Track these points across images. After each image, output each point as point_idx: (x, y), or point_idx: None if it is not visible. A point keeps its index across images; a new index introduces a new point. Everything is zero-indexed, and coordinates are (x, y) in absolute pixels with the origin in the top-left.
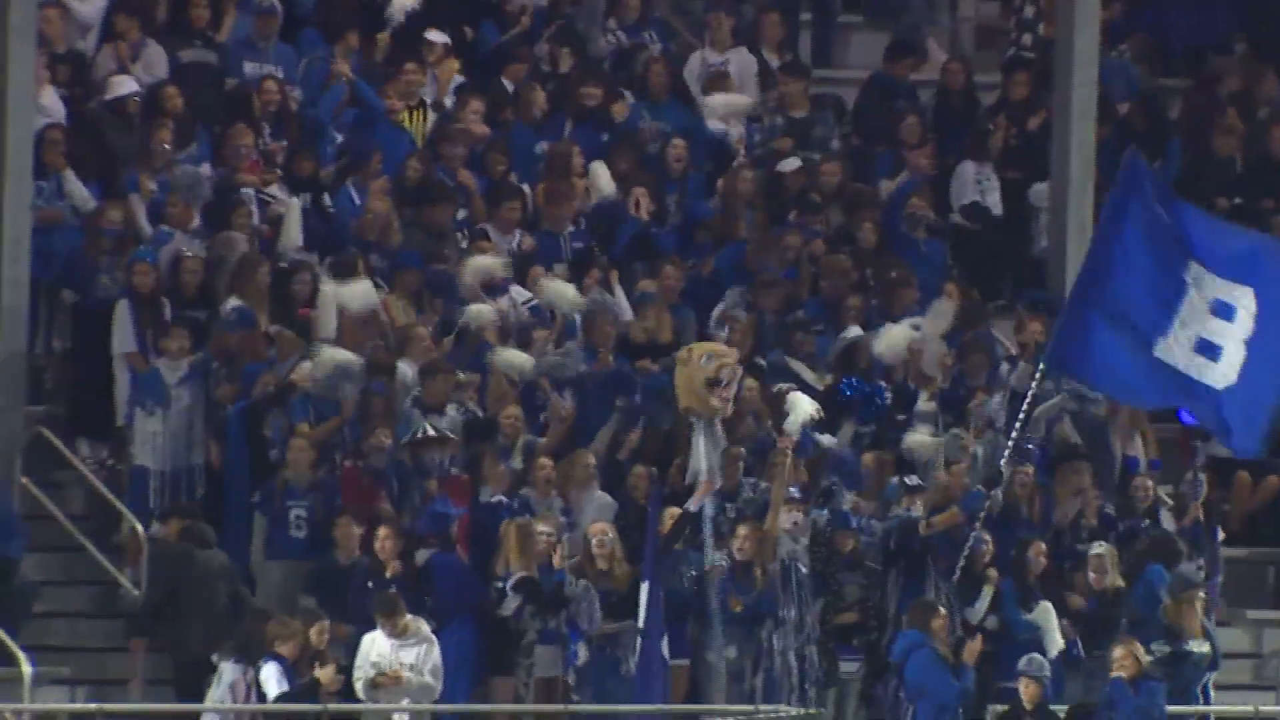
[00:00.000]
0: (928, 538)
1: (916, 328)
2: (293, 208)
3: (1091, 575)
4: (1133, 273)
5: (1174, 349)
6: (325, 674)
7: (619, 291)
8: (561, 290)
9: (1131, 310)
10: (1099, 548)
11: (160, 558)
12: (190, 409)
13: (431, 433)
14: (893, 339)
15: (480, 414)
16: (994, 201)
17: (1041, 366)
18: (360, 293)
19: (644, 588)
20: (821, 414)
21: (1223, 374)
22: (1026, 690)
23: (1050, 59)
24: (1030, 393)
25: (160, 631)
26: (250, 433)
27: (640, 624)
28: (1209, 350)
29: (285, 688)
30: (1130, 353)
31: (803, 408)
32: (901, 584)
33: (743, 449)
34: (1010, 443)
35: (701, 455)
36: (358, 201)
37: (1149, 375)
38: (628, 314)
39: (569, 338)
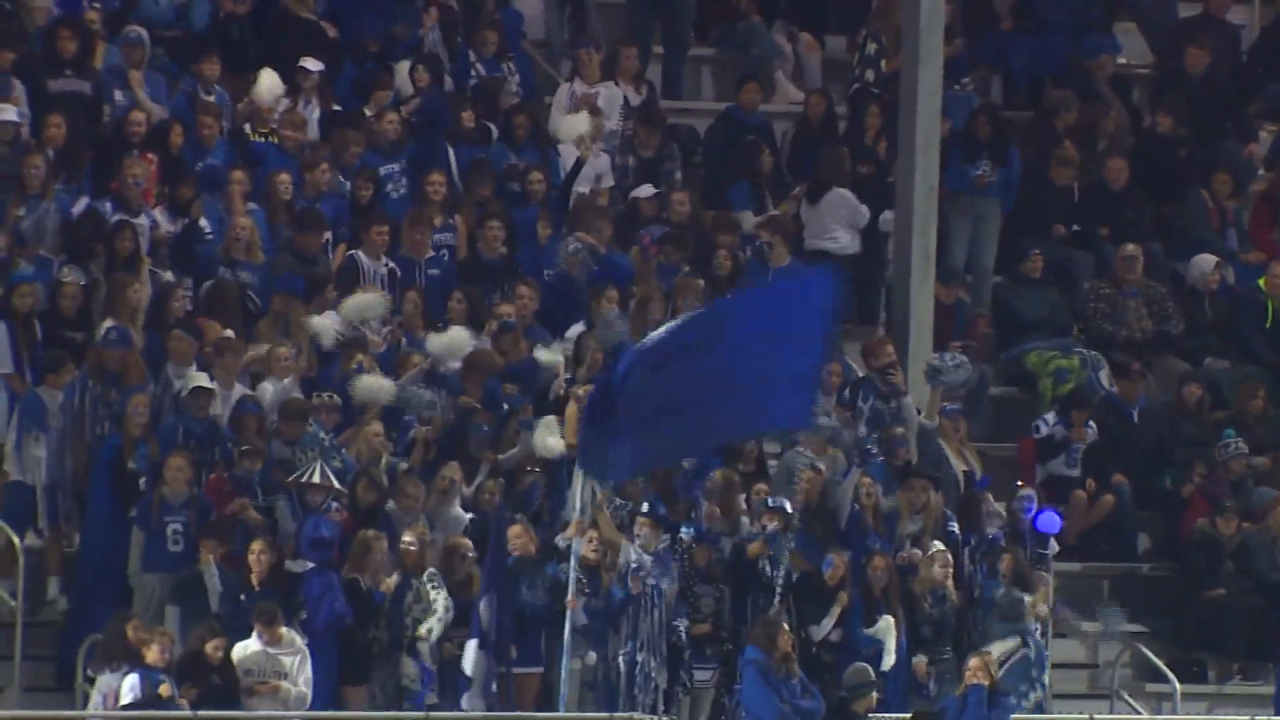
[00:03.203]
0: (754, 560)
1: None
2: None
3: (936, 570)
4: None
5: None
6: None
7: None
8: (452, 343)
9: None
10: (938, 545)
11: None
12: (64, 429)
13: (318, 479)
14: None
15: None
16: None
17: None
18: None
19: (484, 601)
20: None
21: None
22: (865, 702)
23: (895, 92)
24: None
25: None
26: (115, 465)
27: (478, 635)
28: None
29: (136, 696)
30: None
31: None
32: (731, 598)
33: None
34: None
35: (578, 494)
36: (225, 221)
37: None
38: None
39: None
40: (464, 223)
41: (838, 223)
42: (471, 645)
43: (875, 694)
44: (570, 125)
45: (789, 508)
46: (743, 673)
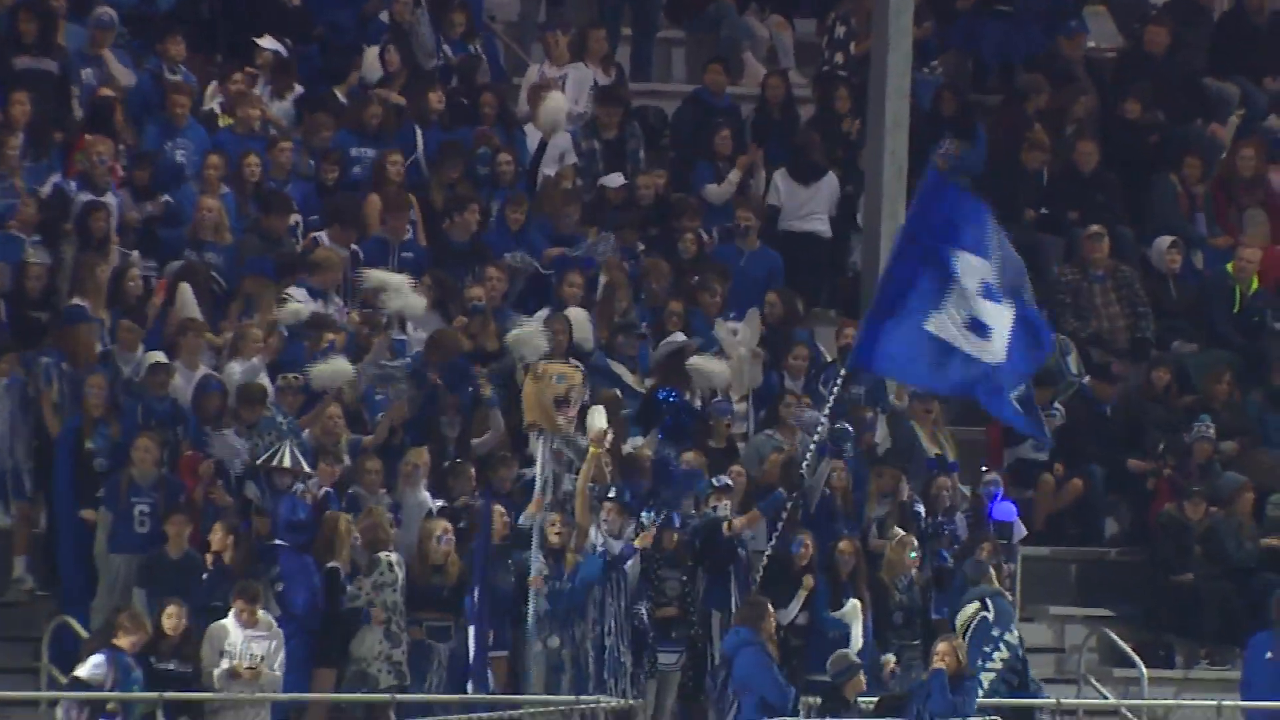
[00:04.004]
0: (731, 538)
1: (729, 348)
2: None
3: (909, 558)
4: (907, 260)
5: (946, 324)
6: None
7: None
8: (413, 302)
9: (908, 293)
10: (900, 531)
11: None
12: (12, 414)
13: (287, 463)
14: (710, 370)
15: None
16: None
17: (843, 370)
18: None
19: (477, 588)
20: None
21: (994, 351)
22: (853, 687)
23: (865, 75)
24: (833, 395)
25: None
26: (77, 445)
27: (471, 619)
28: (980, 329)
29: (96, 675)
30: (909, 333)
31: (597, 423)
32: (707, 581)
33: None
34: (816, 439)
35: (539, 471)
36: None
37: (928, 354)
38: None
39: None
40: (418, 206)
41: (827, 205)
42: (473, 631)
43: (862, 676)
44: (549, 109)
45: (729, 482)
46: (737, 654)
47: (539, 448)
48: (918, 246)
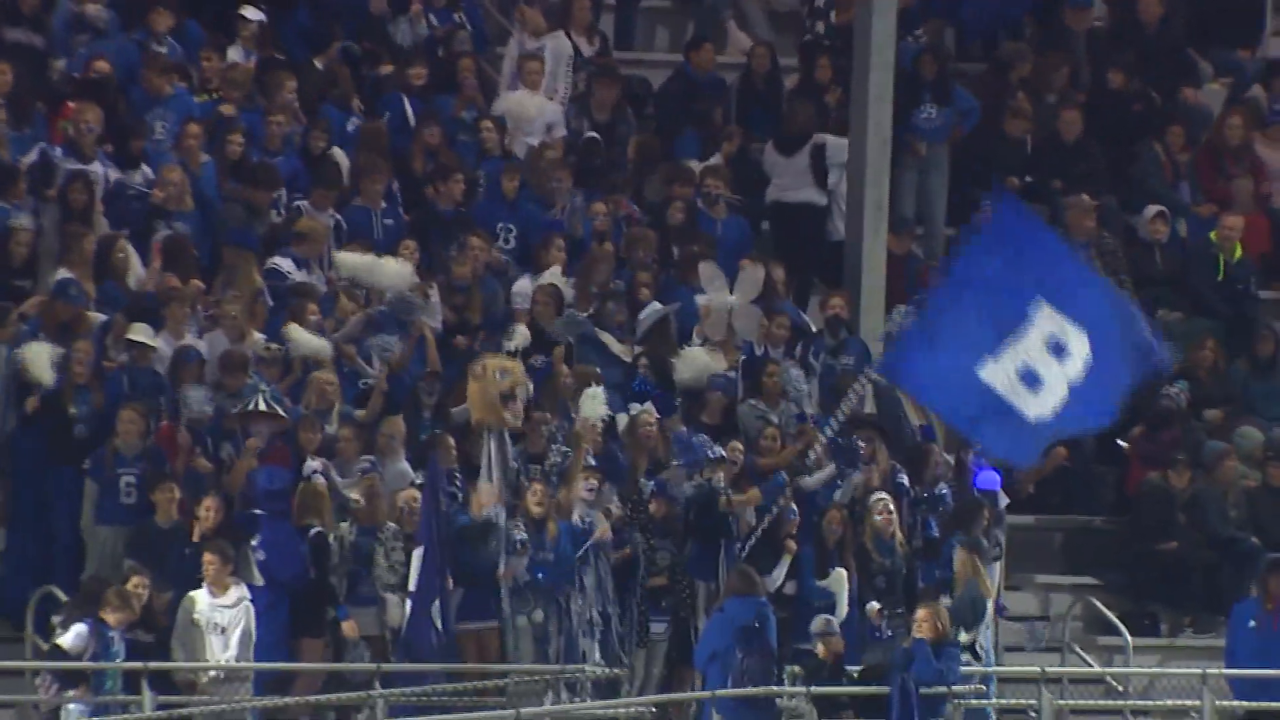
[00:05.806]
0: (726, 512)
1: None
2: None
3: (877, 519)
4: (978, 294)
5: (998, 373)
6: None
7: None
8: (396, 270)
9: (968, 331)
10: (877, 494)
11: None
12: (6, 381)
13: (263, 407)
14: (694, 364)
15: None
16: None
17: (870, 373)
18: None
19: (416, 553)
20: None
21: (1037, 406)
22: (828, 645)
23: (848, 43)
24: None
25: None
26: (54, 411)
27: (411, 588)
28: (1031, 380)
29: (78, 645)
30: (957, 373)
31: (596, 409)
32: (695, 551)
33: (548, 415)
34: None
35: (492, 466)
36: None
37: (968, 393)
38: (437, 315)
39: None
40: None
41: (814, 175)
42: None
43: (839, 639)
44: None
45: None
46: (771, 620)
47: (488, 443)
48: (988, 280)
